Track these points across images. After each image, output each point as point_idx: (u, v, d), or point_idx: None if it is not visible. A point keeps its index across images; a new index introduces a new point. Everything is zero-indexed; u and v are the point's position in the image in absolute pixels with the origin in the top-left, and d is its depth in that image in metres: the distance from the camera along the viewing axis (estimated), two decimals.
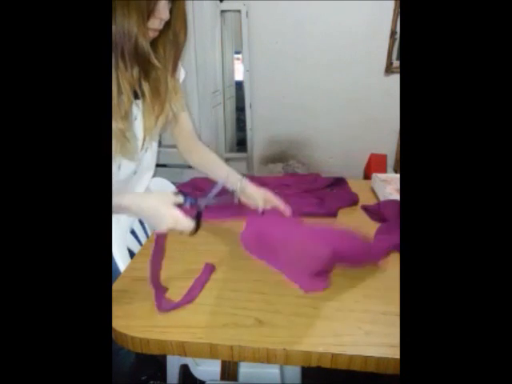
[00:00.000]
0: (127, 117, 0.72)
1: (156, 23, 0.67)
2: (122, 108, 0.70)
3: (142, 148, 0.82)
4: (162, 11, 0.66)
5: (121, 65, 0.66)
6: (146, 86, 0.72)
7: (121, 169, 0.82)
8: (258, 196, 0.85)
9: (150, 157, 0.89)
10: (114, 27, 0.62)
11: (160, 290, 0.67)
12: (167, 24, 0.71)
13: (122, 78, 0.67)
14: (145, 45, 0.65)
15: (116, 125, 0.69)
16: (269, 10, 2.12)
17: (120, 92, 0.69)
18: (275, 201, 0.84)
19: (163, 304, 0.64)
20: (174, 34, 0.74)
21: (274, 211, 0.82)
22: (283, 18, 2.13)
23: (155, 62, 0.69)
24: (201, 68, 1.88)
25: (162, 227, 0.66)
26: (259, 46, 2.20)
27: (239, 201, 0.90)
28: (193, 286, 0.68)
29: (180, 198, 0.69)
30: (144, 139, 0.79)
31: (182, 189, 1.12)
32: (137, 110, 0.78)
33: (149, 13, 0.65)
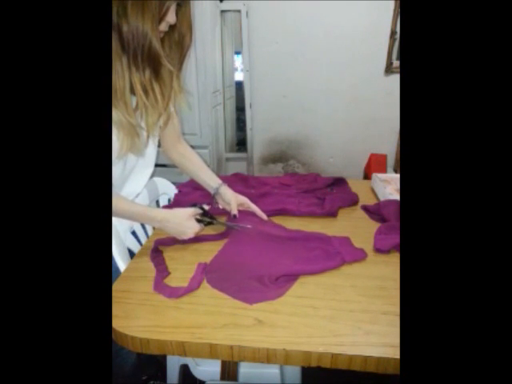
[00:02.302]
0: (137, 113, 0.75)
1: (163, 26, 0.70)
2: (133, 105, 0.73)
3: (146, 144, 0.86)
4: (171, 15, 0.70)
5: (133, 65, 0.69)
6: (156, 86, 0.75)
7: (126, 164, 0.85)
8: (233, 201, 0.94)
9: (150, 153, 0.91)
10: (126, 29, 0.64)
11: (161, 271, 0.73)
12: (173, 26, 0.73)
13: (134, 77, 0.70)
14: (158, 47, 0.68)
15: (128, 120, 0.72)
16: (269, 10, 2.11)
17: (132, 90, 0.72)
18: (252, 207, 0.95)
19: (159, 287, 0.69)
20: (179, 36, 0.77)
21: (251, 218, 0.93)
22: (283, 18, 2.13)
23: (166, 63, 0.72)
24: (201, 68, 1.88)
25: (184, 237, 0.82)
26: (259, 46, 2.20)
27: (217, 203, 0.99)
28: (190, 284, 0.69)
29: (198, 210, 0.85)
30: (148, 135, 0.82)
31: (181, 189, 1.12)
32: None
33: (160, 16, 0.68)
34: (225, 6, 2.12)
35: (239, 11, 2.12)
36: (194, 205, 0.87)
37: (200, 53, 1.85)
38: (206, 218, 0.87)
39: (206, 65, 1.89)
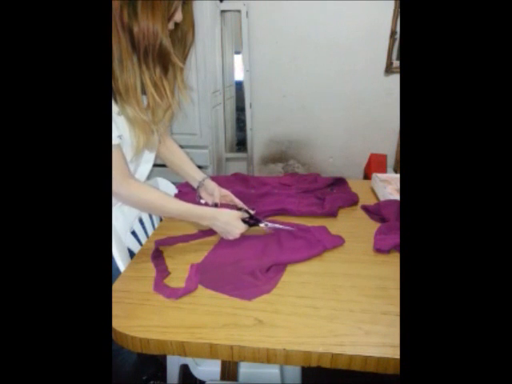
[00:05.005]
0: (148, 111, 0.77)
1: (170, 24, 0.72)
2: (144, 103, 0.75)
3: (159, 139, 0.89)
4: (178, 14, 0.72)
5: (143, 63, 0.70)
6: (165, 83, 0.77)
7: (132, 161, 0.86)
8: (216, 192, 0.98)
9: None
10: (136, 29, 0.66)
11: (161, 271, 0.73)
12: (176, 24, 0.75)
13: (145, 75, 0.71)
14: (168, 45, 0.70)
15: (141, 117, 0.73)
16: (269, 10, 2.11)
17: (143, 88, 0.73)
18: (235, 200, 0.98)
19: (159, 287, 0.69)
20: (182, 34, 0.80)
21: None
22: (283, 18, 2.12)
23: (176, 60, 0.74)
24: (201, 68, 1.88)
25: (230, 237, 0.85)
26: (259, 46, 2.20)
27: (200, 197, 1.02)
28: (187, 285, 0.69)
29: (245, 214, 0.88)
30: (158, 131, 0.84)
31: (181, 189, 1.12)
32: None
33: (169, 16, 0.70)
34: (225, 5, 2.12)
35: (239, 11, 2.11)
36: (239, 209, 0.91)
37: (200, 53, 1.84)
38: (252, 221, 0.89)
39: (206, 65, 1.88)
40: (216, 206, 0.96)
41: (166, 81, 0.77)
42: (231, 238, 0.85)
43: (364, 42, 2.11)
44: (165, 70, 0.75)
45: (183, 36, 0.80)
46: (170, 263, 0.77)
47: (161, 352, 0.59)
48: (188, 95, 0.87)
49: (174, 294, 0.66)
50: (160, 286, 0.69)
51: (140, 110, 0.72)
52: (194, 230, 0.90)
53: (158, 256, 0.80)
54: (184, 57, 0.83)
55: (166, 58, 0.72)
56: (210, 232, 0.89)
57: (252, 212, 0.92)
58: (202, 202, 1.02)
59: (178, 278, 0.72)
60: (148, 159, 0.93)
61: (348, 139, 2.37)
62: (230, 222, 0.84)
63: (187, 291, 0.67)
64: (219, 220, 0.83)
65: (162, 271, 0.74)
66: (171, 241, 0.85)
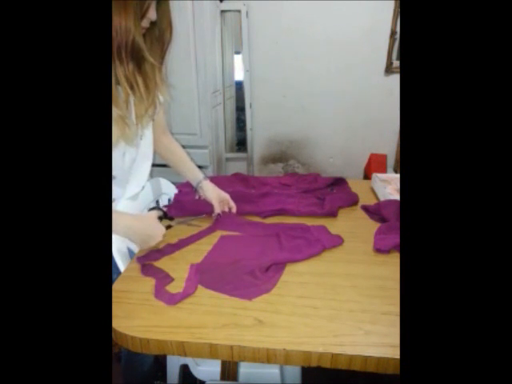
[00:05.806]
0: (125, 105, 0.78)
1: (145, 22, 0.74)
2: (120, 97, 0.76)
3: (138, 134, 0.88)
4: (152, 12, 0.73)
5: (117, 59, 0.71)
6: (139, 79, 0.77)
7: (125, 156, 0.87)
8: (214, 200, 0.97)
9: (146, 144, 0.92)
10: None
11: (161, 279, 0.72)
12: (153, 23, 0.77)
13: (118, 71, 0.72)
14: (140, 42, 0.71)
15: (116, 112, 0.74)
16: (269, 10, 2.11)
17: (117, 83, 0.74)
18: (231, 204, 0.99)
19: (160, 294, 0.68)
20: (160, 32, 0.81)
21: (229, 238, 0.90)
22: (283, 18, 2.12)
23: (149, 57, 0.75)
24: (201, 68, 1.88)
25: (152, 243, 0.80)
26: (259, 46, 2.20)
27: (199, 197, 1.01)
28: (186, 288, 0.69)
29: (159, 212, 0.83)
30: (137, 126, 0.85)
31: (181, 189, 1.12)
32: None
33: (142, 14, 0.71)
34: (225, 5, 2.12)
35: (239, 11, 2.12)
36: (153, 208, 0.88)
37: (200, 53, 1.84)
38: (166, 220, 0.86)
39: (206, 65, 1.88)
40: (219, 216, 0.96)
41: (140, 77, 0.77)
42: (153, 243, 0.80)
43: (364, 42, 2.11)
44: (138, 67, 0.76)
45: (161, 35, 0.81)
46: (170, 263, 0.77)
47: (161, 352, 0.59)
48: (168, 92, 0.88)
49: (173, 299, 0.65)
50: (160, 293, 0.67)
51: (115, 104, 0.73)
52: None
53: (150, 268, 0.76)
54: (162, 55, 0.84)
55: (138, 54, 0.73)
56: (203, 233, 0.89)
57: (164, 209, 0.89)
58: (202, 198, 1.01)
59: (178, 278, 0.72)
60: (147, 156, 0.93)
61: (348, 139, 2.37)
62: (151, 226, 0.80)
63: (185, 295, 0.67)
64: (137, 226, 0.78)
65: (164, 278, 0.72)
66: (157, 255, 0.81)
